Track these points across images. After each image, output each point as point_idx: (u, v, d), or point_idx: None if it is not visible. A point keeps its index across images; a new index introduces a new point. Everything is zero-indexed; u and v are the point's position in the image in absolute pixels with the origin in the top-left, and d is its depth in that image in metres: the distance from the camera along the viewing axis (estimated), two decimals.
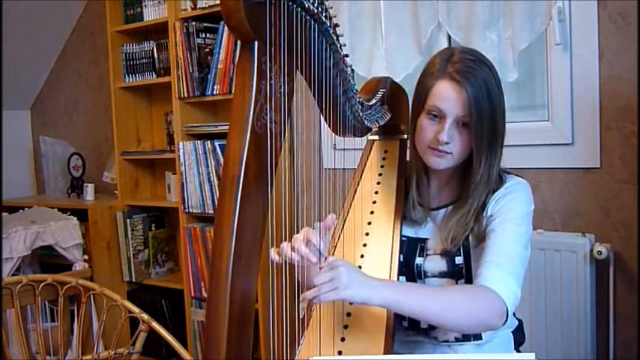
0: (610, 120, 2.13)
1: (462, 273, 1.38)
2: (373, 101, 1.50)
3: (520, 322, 1.54)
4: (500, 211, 1.34)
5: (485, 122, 1.31)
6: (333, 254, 1.41)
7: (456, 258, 1.38)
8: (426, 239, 1.44)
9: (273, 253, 1.19)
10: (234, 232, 0.97)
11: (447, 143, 1.33)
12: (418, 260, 1.43)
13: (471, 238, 1.37)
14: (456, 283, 1.39)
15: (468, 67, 1.31)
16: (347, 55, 1.28)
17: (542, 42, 2.25)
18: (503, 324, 1.22)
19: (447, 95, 1.32)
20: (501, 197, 1.36)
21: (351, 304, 1.29)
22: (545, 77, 2.28)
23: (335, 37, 1.20)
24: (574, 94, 2.19)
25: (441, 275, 1.40)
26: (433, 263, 1.41)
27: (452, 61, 1.33)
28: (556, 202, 2.25)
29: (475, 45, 2.25)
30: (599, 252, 2.08)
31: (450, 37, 2.42)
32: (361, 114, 1.42)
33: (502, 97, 1.35)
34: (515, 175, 1.43)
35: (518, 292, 1.25)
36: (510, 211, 1.33)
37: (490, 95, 1.31)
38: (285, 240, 1.18)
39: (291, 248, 1.17)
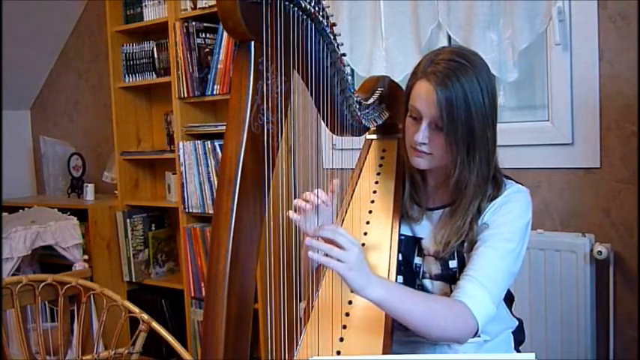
0: (610, 120, 2.13)
1: (455, 277, 1.37)
2: (371, 100, 1.50)
3: (520, 321, 1.54)
4: (495, 222, 1.33)
5: (459, 126, 1.28)
6: None
7: (450, 262, 1.38)
8: (421, 239, 1.44)
9: (291, 214, 1.28)
10: (232, 233, 0.97)
11: (423, 144, 1.33)
12: (417, 260, 1.43)
13: (465, 243, 1.36)
14: (450, 287, 1.39)
15: (447, 68, 1.29)
16: (344, 55, 1.27)
17: (542, 42, 2.25)
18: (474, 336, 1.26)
19: (421, 96, 1.31)
20: (498, 207, 1.35)
21: (351, 291, 1.29)
22: (545, 77, 2.28)
23: (332, 37, 1.20)
24: (574, 94, 2.18)
25: (437, 278, 1.41)
26: (429, 265, 1.42)
27: (435, 62, 1.31)
28: (556, 202, 2.25)
29: (475, 45, 2.25)
30: (599, 252, 2.07)
31: (450, 37, 2.42)
32: (359, 113, 1.42)
33: (487, 103, 1.30)
34: (516, 181, 1.42)
35: (493, 311, 1.26)
36: (504, 225, 1.32)
37: (467, 99, 1.27)
38: (284, 242, 1.18)
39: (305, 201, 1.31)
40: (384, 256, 1.38)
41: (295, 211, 1.31)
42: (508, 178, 1.42)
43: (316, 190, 1.32)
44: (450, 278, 1.38)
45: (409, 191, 1.46)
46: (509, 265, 1.31)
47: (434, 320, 1.21)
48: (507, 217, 1.33)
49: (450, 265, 1.38)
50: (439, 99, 1.27)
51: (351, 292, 1.26)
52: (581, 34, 2.15)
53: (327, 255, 1.10)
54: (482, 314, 1.23)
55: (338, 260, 1.10)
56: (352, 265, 1.11)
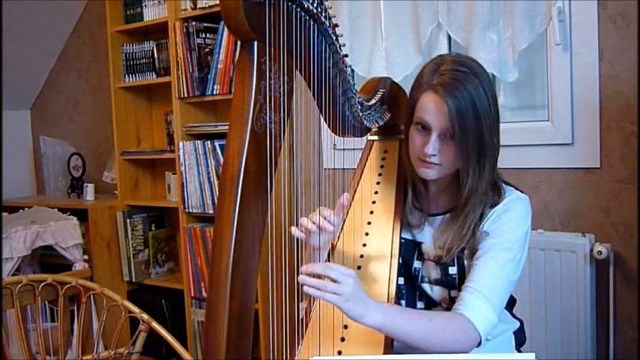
0: (610, 120, 2.13)
1: (455, 284, 1.38)
2: (373, 101, 1.50)
3: (521, 322, 1.54)
4: (495, 231, 1.34)
5: (470, 135, 1.29)
6: (333, 254, 1.41)
7: (450, 268, 1.38)
8: (421, 243, 1.44)
9: (294, 230, 1.27)
10: (234, 233, 0.97)
11: (433, 155, 1.33)
12: (416, 264, 1.43)
13: (466, 250, 1.37)
14: (449, 292, 1.40)
15: (452, 79, 1.29)
16: (346, 55, 1.28)
17: (542, 42, 2.25)
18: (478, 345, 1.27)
19: (430, 108, 1.31)
20: (498, 216, 1.35)
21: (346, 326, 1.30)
22: (545, 77, 2.28)
23: (334, 37, 1.20)
24: (574, 94, 2.18)
25: (436, 283, 1.41)
26: (428, 269, 1.42)
27: (438, 72, 1.31)
28: (556, 202, 2.25)
29: (475, 45, 2.25)
30: (599, 252, 2.07)
31: (450, 37, 2.42)
32: (361, 114, 1.42)
33: (493, 109, 1.32)
34: (516, 188, 1.42)
35: (495, 320, 1.28)
36: (504, 234, 1.33)
37: (476, 108, 1.28)
38: (285, 241, 1.18)
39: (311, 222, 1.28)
40: (385, 257, 1.38)
41: (299, 226, 1.30)
42: (507, 184, 1.42)
43: (325, 212, 1.29)
44: (450, 284, 1.39)
45: (410, 199, 1.46)
46: (509, 274, 1.31)
47: (434, 336, 1.22)
48: (507, 226, 1.34)
49: (450, 271, 1.38)
50: (450, 110, 1.27)
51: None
52: (581, 34, 2.15)
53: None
54: (484, 324, 1.25)
55: (334, 293, 1.11)
56: (348, 296, 1.12)
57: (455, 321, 1.25)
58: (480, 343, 1.25)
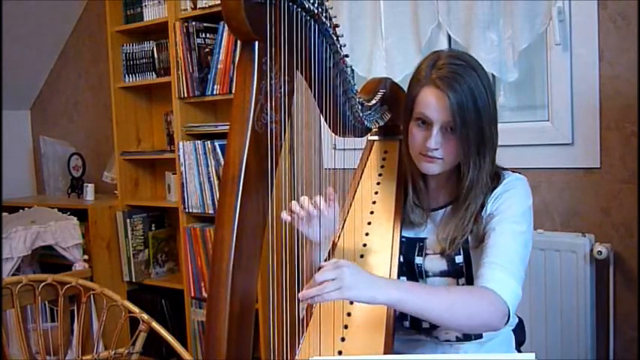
0: (610, 120, 2.13)
1: (462, 272, 1.39)
2: (373, 102, 1.51)
3: (520, 320, 1.54)
4: (498, 209, 1.34)
5: (471, 128, 1.30)
6: (333, 254, 1.41)
7: (456, 257, 1.39)
8: (425, 239, 1.44)
9: (284, 214, 1.25)
10: (235, 232, 0.97)
11: (435, 149, 1.33)
12: (418, 260, 1.43)
13: (470, 238, 1.37)
14: (457, 281, 1.40)
15: (451, 72, 1.30)
16: (347, 56, 1.28)
17: (542, 42, 2.25)
18: (506, 324, 1.23)
19: (431, 102, 1.31)
20: (499, 195, 1.36)
21: (351, 303, 1.29)
22: (545, 77, 2.28)
23: (335, 38, 1.20)
24: (574, 94, 2.19)
25: (442, 274, 1.41)
26: (433, 263, 1.42)
27: (436, 67, 1.32)
28: (556, 202, 2.25)
29: (475, 45, 2.25)
30: (599, 252, 2.07)
31: (450, 37, 2.42)
32: (361, 114, 1.42)
33: (491, 101, 1.33)
34: (513, 171, 1.43)
35: (519, 291, 1.25)
36: (509, 209, 1.33)
37: (476, 100, 1.29)
38: (286, 241, 1.18)
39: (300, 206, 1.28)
40: (386, 257, 1.39)
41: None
42: (504, 169, 1.43)
43: (317, 197, 1.29)
44: (457, 273, 1.39)
45: (411, 197, 1.46)
46: (521, 245, 1.31)
47: (457, 308, 1.18)
48: (510, 202, 1.35)
49: (456, 261, 1.39)
50: (451, 104, 1.28)
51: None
52: (581, 34, 2.15)
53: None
54: (508, 294, 1.22)
55: (334, 290, 1.09)
56: (349, 284, 1.10)
57: (477, 291, 1.23)
58: (509, 317, 1.22)
